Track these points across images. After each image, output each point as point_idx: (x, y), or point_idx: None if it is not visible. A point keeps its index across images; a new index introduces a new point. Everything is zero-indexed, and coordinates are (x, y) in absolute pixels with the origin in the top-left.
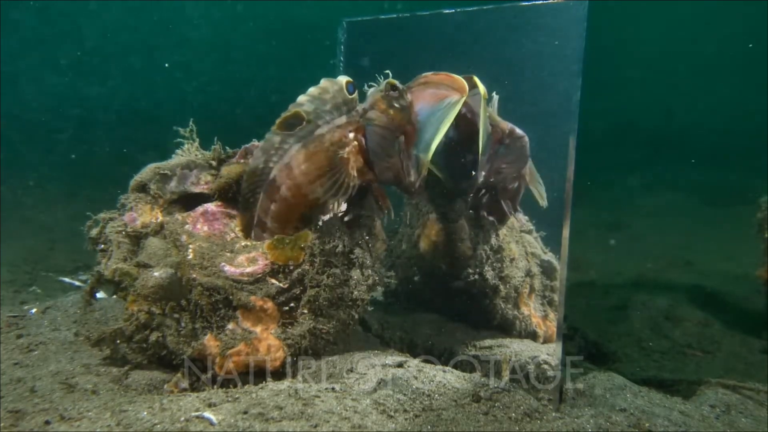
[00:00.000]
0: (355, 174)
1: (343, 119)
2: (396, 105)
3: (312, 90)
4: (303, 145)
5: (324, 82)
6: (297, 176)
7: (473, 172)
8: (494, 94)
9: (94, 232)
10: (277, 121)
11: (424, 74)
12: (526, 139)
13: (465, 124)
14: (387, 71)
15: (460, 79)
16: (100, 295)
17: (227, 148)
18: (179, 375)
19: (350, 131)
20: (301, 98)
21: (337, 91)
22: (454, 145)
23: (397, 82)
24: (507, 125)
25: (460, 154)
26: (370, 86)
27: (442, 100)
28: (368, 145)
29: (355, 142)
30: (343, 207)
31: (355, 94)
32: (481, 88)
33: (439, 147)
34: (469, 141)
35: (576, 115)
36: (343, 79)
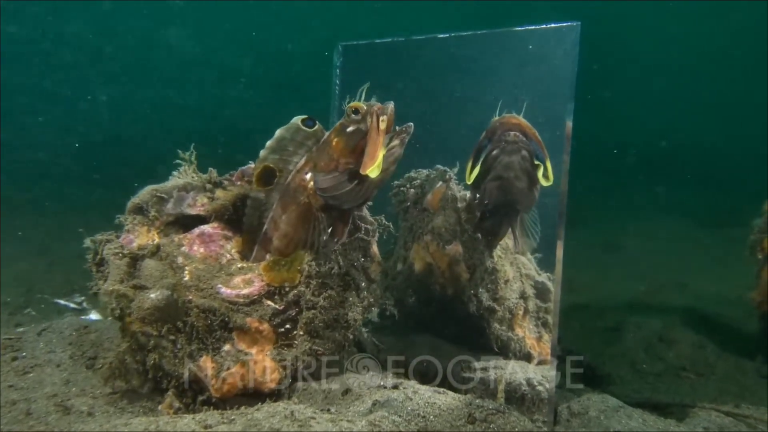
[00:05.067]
0: (322, 213)
1: (302, 161)
2: (348, 130)
3: (269, 143)
4: (279, 197)
5: (278, 132)
6: (282, 227)
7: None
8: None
9: (98, 257)
10: (253, 180)
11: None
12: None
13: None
14: (360, 90)
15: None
16: (94, 316)
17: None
18: (171, 395)
19: (306, 172)
20: (262, 153)
21: (293, 133)
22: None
23: (361, 105)
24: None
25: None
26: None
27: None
28: (319, 192)
29: (311, 183)
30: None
31: (317, 126)
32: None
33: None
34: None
35: (569, 138)
36: (297, 119)
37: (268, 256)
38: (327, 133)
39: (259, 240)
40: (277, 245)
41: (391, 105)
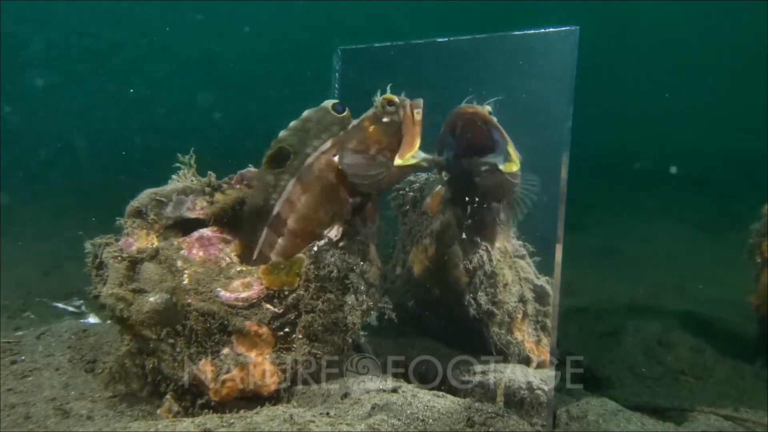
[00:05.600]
0: (347, 196)
1: (328, 144)
2: (383, 120)
3: (293, 123)
4: (298, 178)
5: (306, 113)
6: (300, 209)
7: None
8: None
9: (97, 261)
10: (264, 160)
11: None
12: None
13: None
14: (388, 86)
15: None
16: (93, 320)
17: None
18: (169, 398)
19: (334, 155)
20: (282, 133)
21: (321, 116)
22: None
23: (394, 97)
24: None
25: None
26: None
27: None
28: (344, 166)
29: (340, 165)
30: (337, 232)
31: (346, 112)
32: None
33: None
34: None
35: (568, 141)
36: (328, 103)
37: (280, 240)
38: (357, 120)
39: (269, 222)
40: (294, 227)
41: (421, 100)
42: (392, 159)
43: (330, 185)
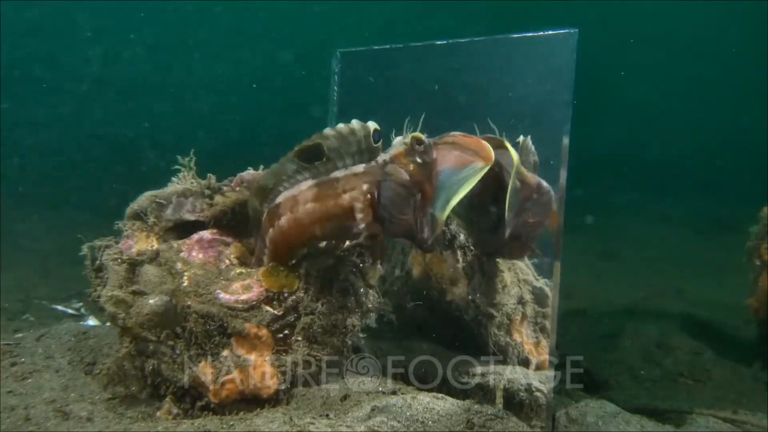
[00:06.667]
0: (365, 226)
1: (360, 168)
2: (418, 160)
3: (341, 126)
4: (316, 183)
5: (354, 123)
6: (300, 211)
7: (499, 228)
8: (522, 137)
9: (97, 263)
10: (296, 148)
11: (452, 133)
12: (552, 193)
13: (492, 179)
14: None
15: (488, 147)
16: (92, 322)
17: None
18: (169, 401)
19: (365, 182)
20: (328, 131)
21: (364, 136)
22: (480, 199)
23: (423, 137)
24: (534, 179)
25: (486, 208)
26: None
27: (465, 165)
28: (381, 200)
29: (368, 195)
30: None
31: (380, 144)
32: (513, 154)
33: (465, 200)
34: (496, 195)
35: (567, 144)
36: (371, 126)
37: (271, 231)
38: (388, 155)
39: (269, 209)
40: (283, 225)
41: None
42: (424, 204)
43: (344, 212)
